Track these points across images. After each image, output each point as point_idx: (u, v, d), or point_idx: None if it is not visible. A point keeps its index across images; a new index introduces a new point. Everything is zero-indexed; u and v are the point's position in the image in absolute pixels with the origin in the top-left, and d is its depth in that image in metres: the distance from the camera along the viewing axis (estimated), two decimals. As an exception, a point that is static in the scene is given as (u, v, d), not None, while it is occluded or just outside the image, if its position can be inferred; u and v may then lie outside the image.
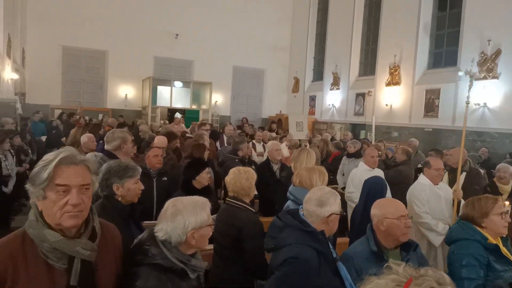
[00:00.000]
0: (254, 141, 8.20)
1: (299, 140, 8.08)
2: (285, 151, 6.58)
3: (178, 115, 12.59)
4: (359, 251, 2.31)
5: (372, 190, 3.76)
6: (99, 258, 1.55)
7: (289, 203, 3.17)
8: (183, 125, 11.69)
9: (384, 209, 2.32)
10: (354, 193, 4.91)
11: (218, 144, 8.45)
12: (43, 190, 1.42)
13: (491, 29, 9.67)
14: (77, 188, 1.46)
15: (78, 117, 12.12)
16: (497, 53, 9.48)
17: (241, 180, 2.91)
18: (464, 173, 5.09)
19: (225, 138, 8.77)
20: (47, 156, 1.48)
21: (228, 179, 2.98)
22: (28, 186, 1.46)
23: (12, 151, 6.30)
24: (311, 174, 3.11)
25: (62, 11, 15.01)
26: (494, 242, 2.33)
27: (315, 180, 3.08)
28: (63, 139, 9.20)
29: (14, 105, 10.49)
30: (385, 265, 1.04)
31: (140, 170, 2.65)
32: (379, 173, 5.02)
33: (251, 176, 2.96)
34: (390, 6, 13.25)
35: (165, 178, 4.40)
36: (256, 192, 5.46)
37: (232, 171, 3.00)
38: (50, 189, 1.42)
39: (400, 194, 4.44)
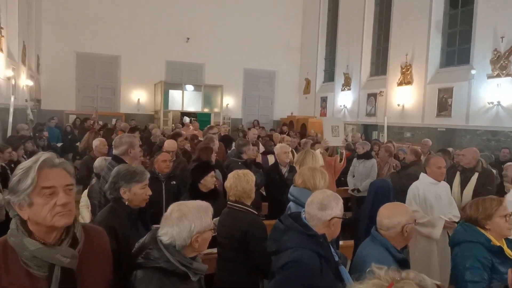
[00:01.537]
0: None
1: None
2: (320, 158, 5.49)
3: (186, 119, 12.49)
4: (384, 260, 2.09)
5: (379, 192, 3.73)
6: (84, 263, 1.54)
7: (290, 204, 3.18)
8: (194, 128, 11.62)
9: (408, 215, 2.35)
10: (418, 213, 3.92)
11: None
12: (28, 196, 1.40)
13: (504, 26, 9.47)
14: (63, 188, 1.46)
15: (92, 122, 12.32)
16: (511, 50, 9.29)
17: (241, 183, 2.93)
18: (477, 174, 5.01)
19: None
20: (25, 164, 1.46)
21: (228, 184, 2.99)
22: (8, 196, 1.44)
23: (25, 156, 6.44)
24: (314, 174, 3.12)
25: (75, 18, 15.29)
26: (498, 244, 2.30)
27: (318, 180, 3.08)
28: (78, 143, 9.38)
29: (25, 111, 10.73)
30: (367, 269, 1.04)
31: (148, 175, 2.68)
32: (446, 187, 4.33)
33: (250, 179, 2.98)
34: (401, 4, 13.09)
35: (174, 182, 4.44)
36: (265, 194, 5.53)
37: (231, 175, 3.01)
38: (36, 194, 1.41)
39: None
